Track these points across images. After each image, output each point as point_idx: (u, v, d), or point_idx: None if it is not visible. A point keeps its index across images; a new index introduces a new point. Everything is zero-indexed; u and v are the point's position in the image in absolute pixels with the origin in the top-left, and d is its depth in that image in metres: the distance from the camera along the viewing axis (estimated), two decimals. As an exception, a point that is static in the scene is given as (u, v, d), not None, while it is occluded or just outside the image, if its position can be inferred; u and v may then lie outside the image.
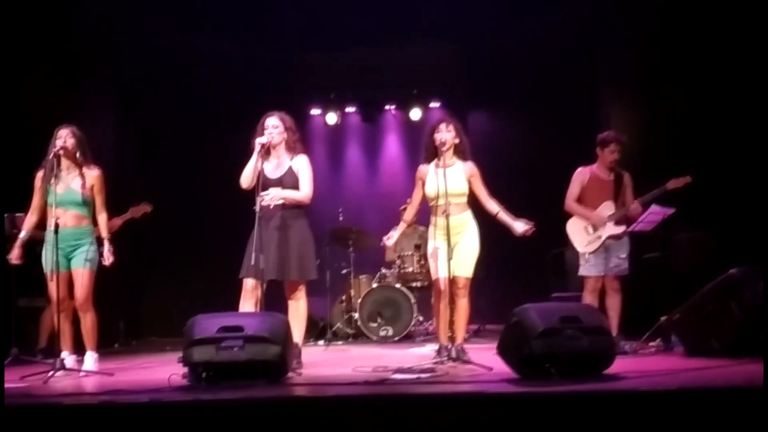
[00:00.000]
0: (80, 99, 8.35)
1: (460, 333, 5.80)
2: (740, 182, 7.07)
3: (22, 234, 5.76)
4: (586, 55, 8.98)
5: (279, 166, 5.61)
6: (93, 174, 5.77)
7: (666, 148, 7.72)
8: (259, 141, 5.50)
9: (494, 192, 5.80)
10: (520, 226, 5.63)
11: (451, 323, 5.88)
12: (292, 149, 5.65)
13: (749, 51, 6.97)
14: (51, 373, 5.17)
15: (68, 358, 5.67)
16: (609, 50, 8.62)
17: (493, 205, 5.75)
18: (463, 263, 5.72)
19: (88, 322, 5.74)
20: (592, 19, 8.86)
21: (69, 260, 5.67)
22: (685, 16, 7.74)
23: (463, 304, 5.75)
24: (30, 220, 5.77)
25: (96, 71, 8.71)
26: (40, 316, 7.15)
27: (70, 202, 5.66)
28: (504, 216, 5.70)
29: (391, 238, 5.96)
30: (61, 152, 5.61)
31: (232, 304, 5.57)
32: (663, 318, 6.13)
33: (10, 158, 7.14)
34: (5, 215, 6.73)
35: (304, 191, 5.60)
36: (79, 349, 5.82)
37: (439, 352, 5.82)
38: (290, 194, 5.54)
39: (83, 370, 5.56)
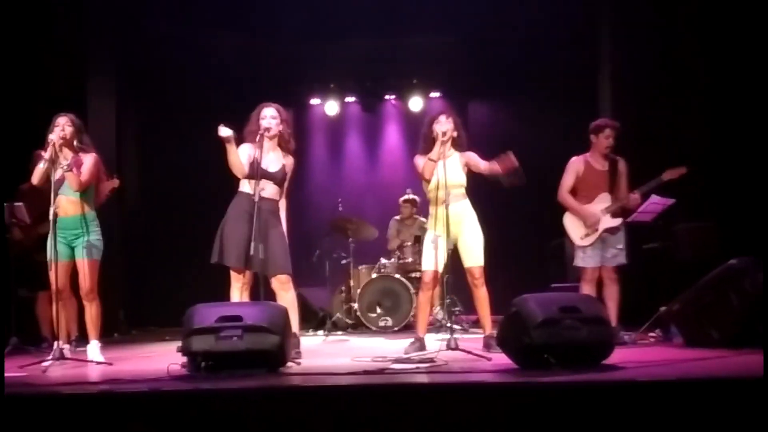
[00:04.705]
0: (81, 87, 8.34)
1: (488, 323, 5.84)
2: (741, 173, 7.06)
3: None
4: (585, 46, 8.96)
5: (273, 161, 5.58)
6: (87, 158, 5.74)
7: (666, 138, 7.71)
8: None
9: (493, 183, 5.80)
10: (503, 163, 5.60)
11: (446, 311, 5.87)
12: (285, 144, 5.65)
13: (751, 43, 6.96)
14: (50, 362, 5.17)
15: (66, 347, 5.67)
16: (609, 41, 8.59)
17: (485, 165, 5.76)
18: (474, 253, 5.78)
19: (93, 311, 5.74)
20: (592, 9, 8.83)
21: (72, 249, 5.67)
22: (687, 8, 7.74)
23: (483, 293, 5.82)
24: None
25: (96, 60, 8.70)
26: (34, 306, 7.07)
27: (68, 189, 5.65)
28: (493, 166, 5.69)
29: None
30: (60, 140, 5.58)
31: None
32: (662, 308, 6.13)
33: (10, 147, 7.13)
34: (5, 204, 6.71)
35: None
36: (82, 338, 5.82)
37: (412, 344, 5.77)
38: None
39: (89, 360, 5.55)
